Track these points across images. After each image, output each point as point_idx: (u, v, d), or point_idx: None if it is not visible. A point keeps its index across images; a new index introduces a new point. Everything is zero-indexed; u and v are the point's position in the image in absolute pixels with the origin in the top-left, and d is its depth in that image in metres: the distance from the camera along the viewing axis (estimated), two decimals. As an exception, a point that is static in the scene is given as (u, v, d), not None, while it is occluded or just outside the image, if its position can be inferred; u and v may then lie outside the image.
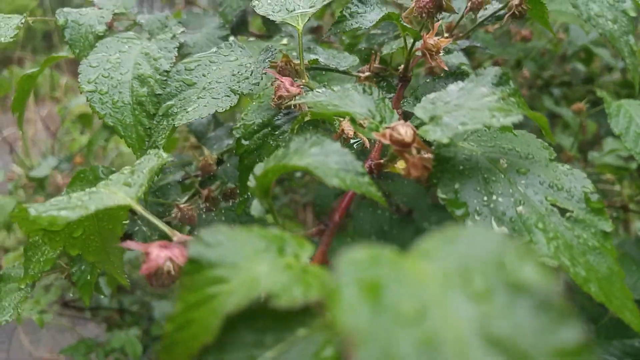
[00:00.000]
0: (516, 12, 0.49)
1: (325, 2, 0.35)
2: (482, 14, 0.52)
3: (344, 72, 0.49)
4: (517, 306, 0.11)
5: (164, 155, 0.29)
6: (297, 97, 0.32)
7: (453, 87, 0.29)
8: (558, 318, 0.11)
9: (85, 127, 1.52)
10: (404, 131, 0.27)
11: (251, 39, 0.65)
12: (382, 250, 0.14)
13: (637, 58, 0.30)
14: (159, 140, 0.40)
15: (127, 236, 0.47)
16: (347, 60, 0.50)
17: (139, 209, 0.25)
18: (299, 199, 1.83)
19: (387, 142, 0.28)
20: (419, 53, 0.45)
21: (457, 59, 0.66)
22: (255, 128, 0.48)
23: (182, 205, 0.48)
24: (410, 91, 0.44)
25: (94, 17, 0.51)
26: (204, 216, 0.52)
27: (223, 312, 0.15)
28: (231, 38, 0.44)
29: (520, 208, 0.27)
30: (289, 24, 0.35)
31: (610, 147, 1.20)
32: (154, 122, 0.42)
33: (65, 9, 0.52)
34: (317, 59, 0.47)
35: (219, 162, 0.58)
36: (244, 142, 0.48)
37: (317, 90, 0.31)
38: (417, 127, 0.29)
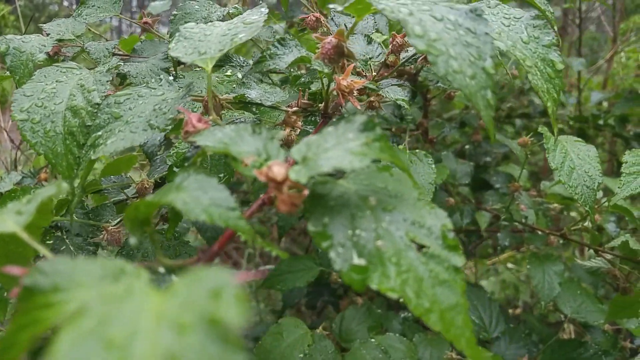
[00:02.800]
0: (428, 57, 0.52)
1: (233, 45, 0.38)
2: (405, 55, 0.56)
3: (272, 107, 0.52)
4: (207, 338, 0.14)
5: (64, 186, 0.32)
6: (194, 135, 0.34)
7: (329, 130, 0.33)
8: (231, 349, 0.13)
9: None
10: (277, 170, 0.30)
11: (197, 68, 0.68)
12: (139, 287, 0.17)
13: (492, 110, 0.33)
14: (79, 170, 0.42)
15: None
16: (277, 96, 0.53)
17: (24, 236, 0.28)
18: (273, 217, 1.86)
19: (264, 179, 0.31)
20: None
21: (395, 94, 0.70)
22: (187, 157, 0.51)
23: (109, 228, 0.51)
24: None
25: (35, 45, 0.54)
26: (135, 238, 0.55)
27: (42, 333, 0.18)
28: (164, 74, 0.47)
29: (379, 242, 0.30)
30: (198, 65, 0.38)
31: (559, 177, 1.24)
32: (83, 151, 0.45)
33: (8, 36, 0.54)
34: (243, 94, 0.51)
35: (157, 185, 0.60)
36: (175, 169, 0.51)
37: (213, 129, 0.34)
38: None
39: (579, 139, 0.90)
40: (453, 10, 0.36)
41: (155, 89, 0.46)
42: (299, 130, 0.53)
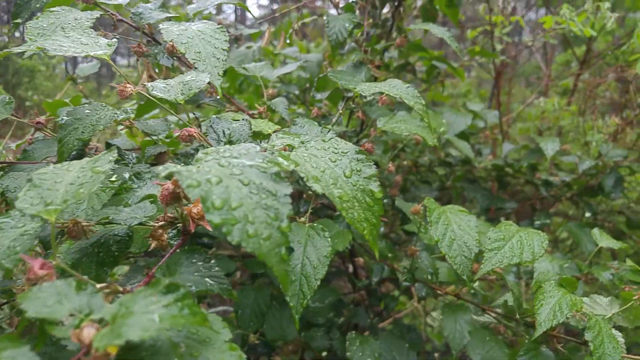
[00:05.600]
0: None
1: (77, 198, 0.43)
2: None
3: (140, 224, 0.57)
4: None
5: None
6: (21, 299, 0.38)
7: (141, 290, 0.38)
8: None
9: None
10: (86, 333, 0.35)
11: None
12: None
13: (286, 264, 0.39)
14: None
15: None
16: (146, 211, 0.58)
17: None
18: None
19: (76, 341, 0.36)
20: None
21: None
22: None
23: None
24: (161, 267, 0.52)
25: None
26: None
27: None
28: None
29: (178, 391, 0.35)
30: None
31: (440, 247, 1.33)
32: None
33: None
34: (107, 217, 0.55)
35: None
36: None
37: (38, 290, 0.39)
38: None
39: (463, 209, 0.99)
40: (261, 173, 0.42)
41: (17, 221, 0.50)
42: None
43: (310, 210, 1.07)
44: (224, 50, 0.74)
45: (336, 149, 0.53)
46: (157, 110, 1.31)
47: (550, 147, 1.58)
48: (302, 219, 0.94)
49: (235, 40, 1.48)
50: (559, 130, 2.78)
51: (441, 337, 2.24)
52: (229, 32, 1.42)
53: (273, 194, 0.41)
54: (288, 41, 1.48)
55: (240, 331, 1.18)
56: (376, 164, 1.56)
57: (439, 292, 1.14)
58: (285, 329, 1.22)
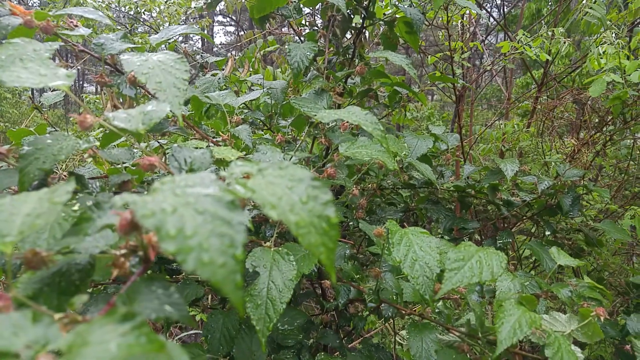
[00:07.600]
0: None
1: (31, 230, 0.44)
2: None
3: (102, 252, 0.58)
4: None
5: None
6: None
7: (97, 319, 0.39)
8: None
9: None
10: (40, 365, 0.36)
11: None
12: None
13: (241, 291, 0.40)
14: None
15: None
16: (108, 240, 0.59)
17: None
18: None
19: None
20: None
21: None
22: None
23: None
24: (121, 295, 0.52)
25: None
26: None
27: None
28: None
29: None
30: None
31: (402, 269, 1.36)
32: None
33: None
34: (68, 246, 0.56)
35: None
36: None
37: (0, 317, 0.39)
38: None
39: (424, 231, 1.01)
40: (215, 201, 0.43)
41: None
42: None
43: (275, 234, 1.08)
44: (184, 80, 0.76)
45: (293, 175, 0.54)
46: (124, 138, 1.31)
47: (509, 168, 1.63)
48: (268, 244, 0.95)
49: (201, 67, 1.50)
50: (520, 151, 2.88)
51: (410, 355, 2.26)
52: (194, 60, 1.44)
53: (228, 221, 0.42)
54: (251, 69, 1.50)
55: (210, 355, 1.17)
56: (342, 187, 1.59)
57: (403, 312, 1.16)
58: (255, 352, 1.22)
